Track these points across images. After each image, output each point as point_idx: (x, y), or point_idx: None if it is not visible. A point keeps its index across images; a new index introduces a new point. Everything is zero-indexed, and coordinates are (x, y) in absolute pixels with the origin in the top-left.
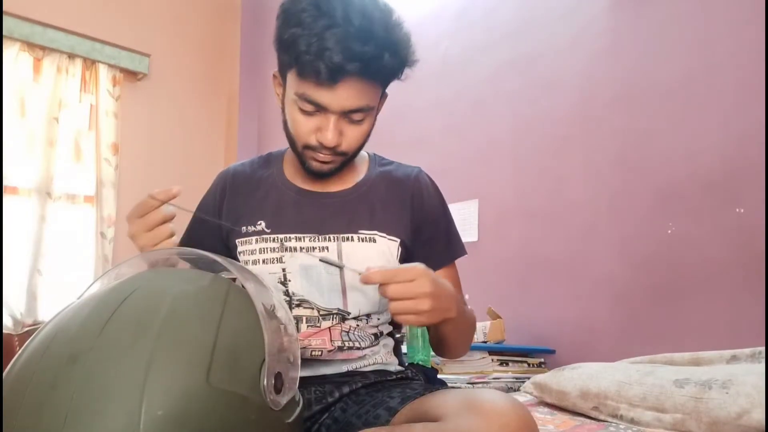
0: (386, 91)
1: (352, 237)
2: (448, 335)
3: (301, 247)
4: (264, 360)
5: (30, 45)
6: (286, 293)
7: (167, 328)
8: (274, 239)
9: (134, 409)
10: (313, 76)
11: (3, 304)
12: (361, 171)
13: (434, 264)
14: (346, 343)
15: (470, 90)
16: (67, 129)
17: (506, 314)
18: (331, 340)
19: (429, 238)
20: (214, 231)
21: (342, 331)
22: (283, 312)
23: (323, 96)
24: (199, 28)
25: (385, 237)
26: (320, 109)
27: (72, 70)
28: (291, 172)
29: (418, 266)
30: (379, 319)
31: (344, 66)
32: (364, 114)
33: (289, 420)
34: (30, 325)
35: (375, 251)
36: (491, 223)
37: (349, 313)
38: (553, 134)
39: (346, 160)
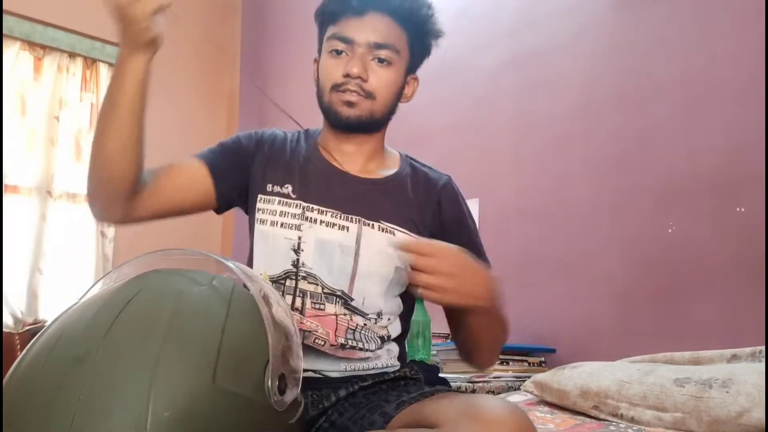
0: (417, 74)
1: (373, 225)
2: (480, 331)
3: (321, 220)
4: (268, 361)
5: (30, 44)
6: (296, 263)
7: (173, 329)
8: (297, 206)
9: (141, 411)
10: (343, 10)
11: (3, 302)
12: (392, 167)
13: None
14: (350, 342)
15: (471, 89)
16: (67, 128)
17: (507, 313)
18: (335, 335)
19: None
20: (243, 166)
21: (348, 328)
22: (285, 314)
23: (351, 27)
24: (199, 27)
25: (405, 232)
26: (348, 44)
27: (72, 68)
28: (325, 150)
29: (453, 247)
30: (389, 320)
31: None
32: (391, 54)
33: (292, 420)
34: (30, 324)
35: (392, 243)
36: (491, 222)
37: (352, 299)
38: (553, 133)
39: (374, 116)
